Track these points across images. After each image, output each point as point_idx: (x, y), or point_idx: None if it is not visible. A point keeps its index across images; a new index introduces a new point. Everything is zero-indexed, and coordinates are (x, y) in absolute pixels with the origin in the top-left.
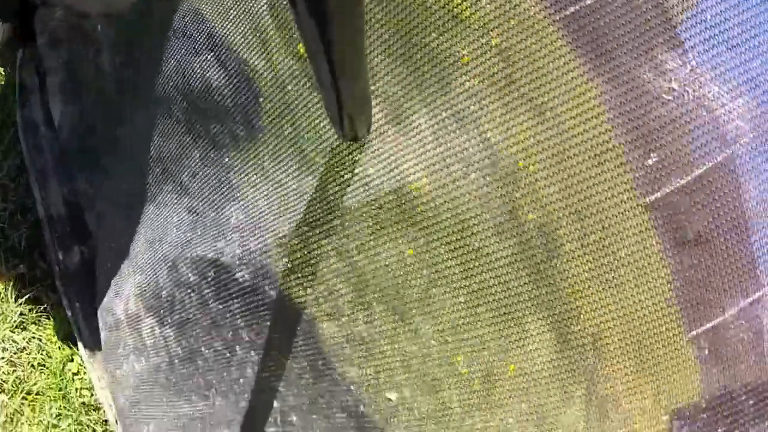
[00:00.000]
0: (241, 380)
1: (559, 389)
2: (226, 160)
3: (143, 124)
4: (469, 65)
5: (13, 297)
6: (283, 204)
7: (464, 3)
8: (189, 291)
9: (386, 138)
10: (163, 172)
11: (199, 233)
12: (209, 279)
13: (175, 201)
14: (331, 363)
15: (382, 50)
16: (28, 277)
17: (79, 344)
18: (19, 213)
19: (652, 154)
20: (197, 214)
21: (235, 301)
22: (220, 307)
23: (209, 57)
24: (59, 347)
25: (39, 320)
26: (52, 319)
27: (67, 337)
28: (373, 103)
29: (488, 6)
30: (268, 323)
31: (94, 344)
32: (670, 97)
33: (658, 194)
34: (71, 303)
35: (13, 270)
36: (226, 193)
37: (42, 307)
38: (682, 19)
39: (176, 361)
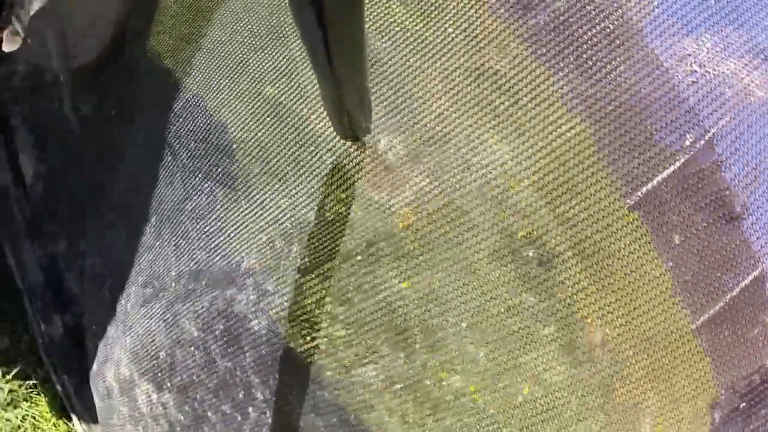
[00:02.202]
0: None
1: (577, 402)
2: (233, 203)
3: (128, 172)
4: (439, 88)
5: (0, 373)
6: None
7: (426, 26)
8: (192, 349)
9: (368, 174)
10: (158, 222)
11: (204, 283)
12: (217, 333)
13: (173, 252)
14: (354, 414)
15: None
16: (13, 352)
17: (74, 419)
18: None
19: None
20: (199, 263)
21: (248, 354)
22: (229, 364)
23: (204, 94)
24: (54, 424)
25: (30, 396)
26: (43, 395)
27: (62, 412)
28: None
29: (450, 28)
30: (287, 377)
31: (89, 417)
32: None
33: (643, 191)
34: (59, 376)
35: None
36: (234, 237)
37: (32, 383)
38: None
39: (178, 429)
